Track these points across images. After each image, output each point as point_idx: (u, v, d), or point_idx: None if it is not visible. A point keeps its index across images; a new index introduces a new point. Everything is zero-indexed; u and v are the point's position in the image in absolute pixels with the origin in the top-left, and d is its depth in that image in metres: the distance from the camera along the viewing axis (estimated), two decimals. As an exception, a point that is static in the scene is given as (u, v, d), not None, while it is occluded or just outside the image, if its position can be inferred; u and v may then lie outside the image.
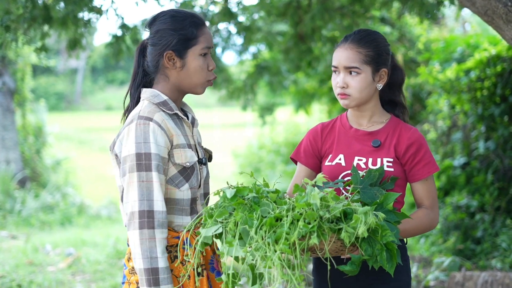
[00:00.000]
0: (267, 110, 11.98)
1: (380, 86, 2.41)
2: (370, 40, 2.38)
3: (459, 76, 6.04)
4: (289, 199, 2.09)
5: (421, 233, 2.39)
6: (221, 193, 2.17)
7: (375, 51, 2.37)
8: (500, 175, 5.70)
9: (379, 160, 2.37)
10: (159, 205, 2.16)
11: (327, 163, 2.44)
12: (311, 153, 2.50)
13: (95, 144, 18.28)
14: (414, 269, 5.46)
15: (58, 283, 5.87)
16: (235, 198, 2.10)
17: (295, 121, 13.73)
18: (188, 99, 2.81)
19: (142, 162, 2.16)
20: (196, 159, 2.29)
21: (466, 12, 8.39)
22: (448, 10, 8.53)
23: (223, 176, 11.61)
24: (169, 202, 2.25)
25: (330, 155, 2.45)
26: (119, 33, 5.03)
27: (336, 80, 2.39)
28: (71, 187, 10.99)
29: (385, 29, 8.19)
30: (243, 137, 15.63)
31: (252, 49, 7.83)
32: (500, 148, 5.67)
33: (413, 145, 2.37)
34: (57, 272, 6.24)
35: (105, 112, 26.95)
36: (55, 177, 10.99)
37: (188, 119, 2.37)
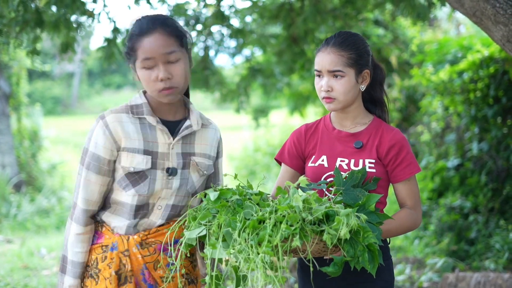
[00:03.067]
0: (261, 112, 11.96)
1: (363, 87, 2.43)
2: (351, 42, 2.39)
3: (452, 78, 6.05)
4: (272, 201, 2.10)
5: (404, 233, 2.41)
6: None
7: (357, 53, 2.38)
8: (493, 176, 5.71)
9: (361, 161, 2.38)
10: (79, 201, 2.24)
11: (310, 164, 2.46)
12: (295, 154, 2.51)
13: (92, 147, 18.21)
14: (407, 270, 5.47)
15: (53, 287, 5.85)
16: (218, 200, 2.11)
17: (290, 124, 13.73)
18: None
19: (83, 156, 2.25)
20: (149, 166, 2.21)
21: (459, 14, 8.40)
22: (441, 12, 8.54)
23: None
24: (114, 202, 2.27)
25: (313, 156, 2.46)
26: (111, 36, 5.03)
27: (320, 84, 2.40)
28: (67, 191, 10.96)
29: (379, 31, 8.20)
30: (239, 140, 15.61)
31: (246, 52, 7.84)
32: (494, 149, 5.68)
33: (395, 146, 2.38)
34: (52, 276, 6.23)
35: (102, 116, 26.86)
36: (50, 181, 10.97)
37: (182, 126, 2.28)
